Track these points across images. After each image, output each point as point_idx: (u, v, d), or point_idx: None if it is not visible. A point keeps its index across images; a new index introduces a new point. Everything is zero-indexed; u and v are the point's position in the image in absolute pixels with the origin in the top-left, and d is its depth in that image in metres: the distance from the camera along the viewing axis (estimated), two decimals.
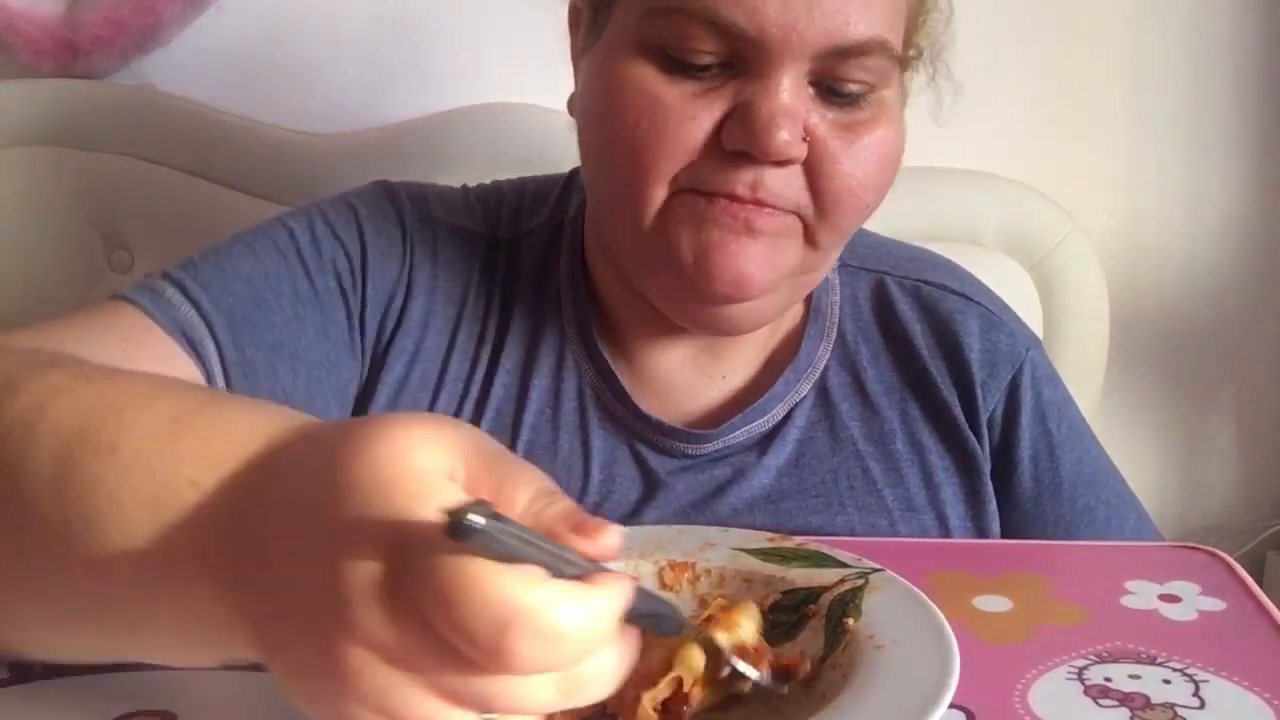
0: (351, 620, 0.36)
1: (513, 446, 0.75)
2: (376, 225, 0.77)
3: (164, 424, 0.44)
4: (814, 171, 0.65)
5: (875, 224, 0.88)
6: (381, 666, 0.36)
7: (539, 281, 0.79)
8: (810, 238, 0.68)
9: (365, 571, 0.36)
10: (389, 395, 0.75)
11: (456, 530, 0.33)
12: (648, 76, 0.65)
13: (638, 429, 0.76)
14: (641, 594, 0.39)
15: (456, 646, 0.35)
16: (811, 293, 0.79)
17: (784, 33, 0.62)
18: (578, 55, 0.73)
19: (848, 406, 0.77)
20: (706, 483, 0.75)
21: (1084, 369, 1.24)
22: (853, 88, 0.65)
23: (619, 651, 0.39)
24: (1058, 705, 0.51)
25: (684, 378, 0.77)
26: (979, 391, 0.77)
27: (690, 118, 0.64)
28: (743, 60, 0.63)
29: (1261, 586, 0.62)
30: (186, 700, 0.55)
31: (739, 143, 0.63)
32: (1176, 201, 1.42)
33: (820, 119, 0.65)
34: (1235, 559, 0.66)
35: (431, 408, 0.76)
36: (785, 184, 0.65)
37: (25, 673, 0.57)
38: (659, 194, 0.66)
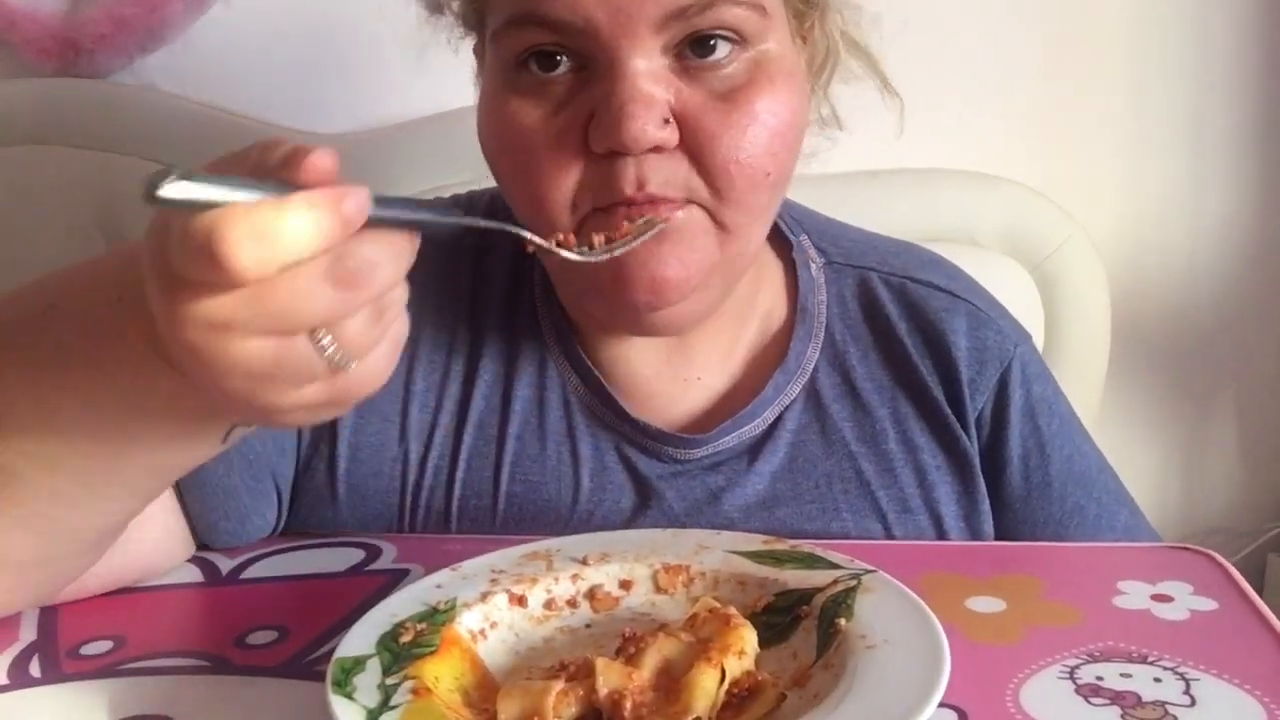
0: (152, 314, 0.42)
1: (498, 459, 0.75)
2: None
3: (86, 272, 0.55)
4: (694, 152, 0.63)
5: (878, 225, 0.88)
6: (209, 339, 0.41)
7: (512, 288, 0.78)
8: (718, 223, 0.65)
9: (152, 280, 0.42)
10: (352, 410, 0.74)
11: (149, 195, 0.37)
12: (509, 103, 0.64)
13: (625, 433, 0.75)
14: (387, 201, 0.42)
15: (210, 284, 0.39)
16: (797, 293, 0.78)
17: (610, 14, 0.60)
18: None
19: (839, 408, 0.76)
20: (700, 489, 0.74)
21: (1085, 371, 1.24)
22: (714, 45, 0.62)
23: (383, 245, 0.42)
24: (1049, 704, 0.51)
25: (660, 384, 0.76)
26: (967, 390, 0.76)
27: (555, 134, 0.63)
28: (589, 58, 0.62)
29: (1263, 589, 0.62)
30: (184, 704, 0.55)
31: (603, 143, 0.61)
32: (1178, 203, 1.42)
33: (690, 94, 0.62)
34: (1236, 562, 0.66)
35: (404, 420, 0.75)
36: (670, 173, 0.62)
37: (24, 678, 0.58)
38: (565, 220, 0.65)
